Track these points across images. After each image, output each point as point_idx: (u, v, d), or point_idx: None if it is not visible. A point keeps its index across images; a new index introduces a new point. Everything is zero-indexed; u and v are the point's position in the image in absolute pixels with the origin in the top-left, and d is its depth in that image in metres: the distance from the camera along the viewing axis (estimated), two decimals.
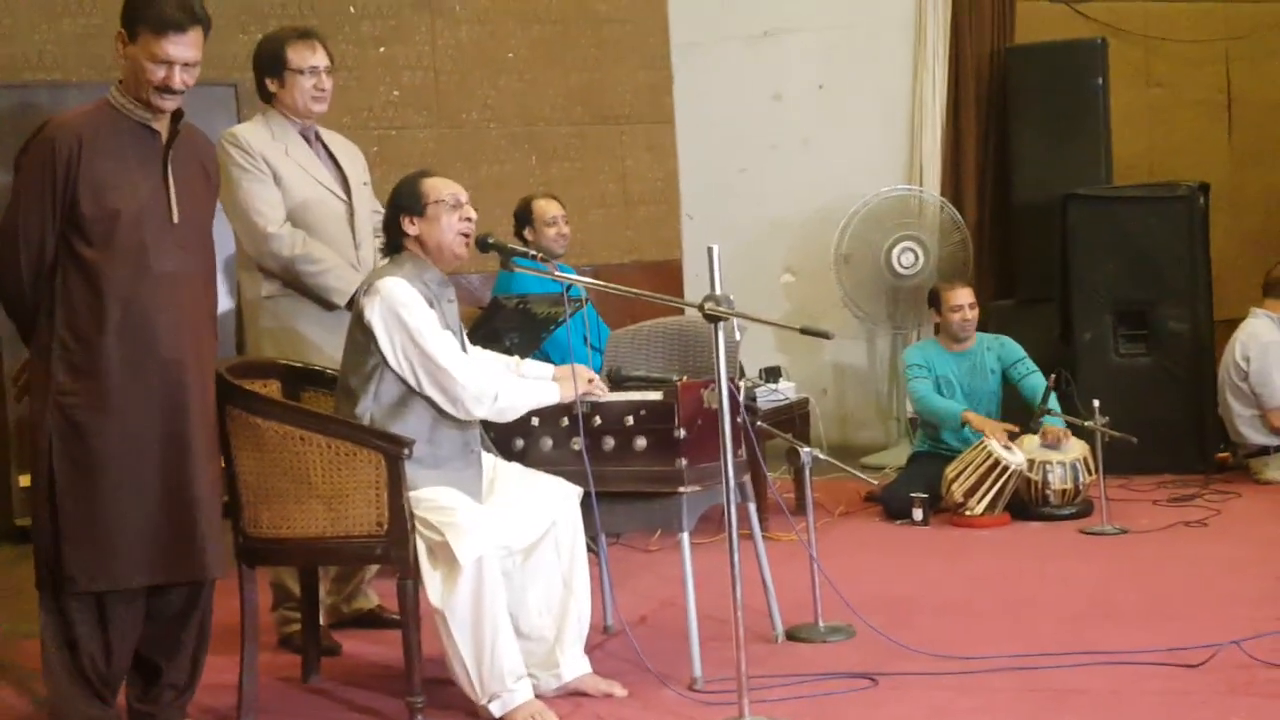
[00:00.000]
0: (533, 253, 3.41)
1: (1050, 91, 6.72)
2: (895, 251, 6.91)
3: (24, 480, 5.17)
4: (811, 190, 7.31)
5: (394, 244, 3.39)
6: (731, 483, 3.08)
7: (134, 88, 3.04)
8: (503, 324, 4.52)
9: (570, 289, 3.96)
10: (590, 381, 3.50)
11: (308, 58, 3.94)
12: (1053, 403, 5.46)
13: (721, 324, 3.08)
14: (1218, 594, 4.06)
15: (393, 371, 3.28)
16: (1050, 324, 6.39)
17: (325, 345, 3.84)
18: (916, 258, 6.90)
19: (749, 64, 7.46)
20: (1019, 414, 5.59)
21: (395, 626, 3.44)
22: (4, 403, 5.58)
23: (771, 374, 5.90)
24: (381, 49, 6.65)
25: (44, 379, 3.03)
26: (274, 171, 3.89)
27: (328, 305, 3.88)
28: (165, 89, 3.01)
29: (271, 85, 3.96)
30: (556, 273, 3.57)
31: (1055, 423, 5.41)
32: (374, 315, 3.26)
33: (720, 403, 3.11)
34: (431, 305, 3.30)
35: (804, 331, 3.10)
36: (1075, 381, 5.59)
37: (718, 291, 3.11)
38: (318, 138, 4.06)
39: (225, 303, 3.60)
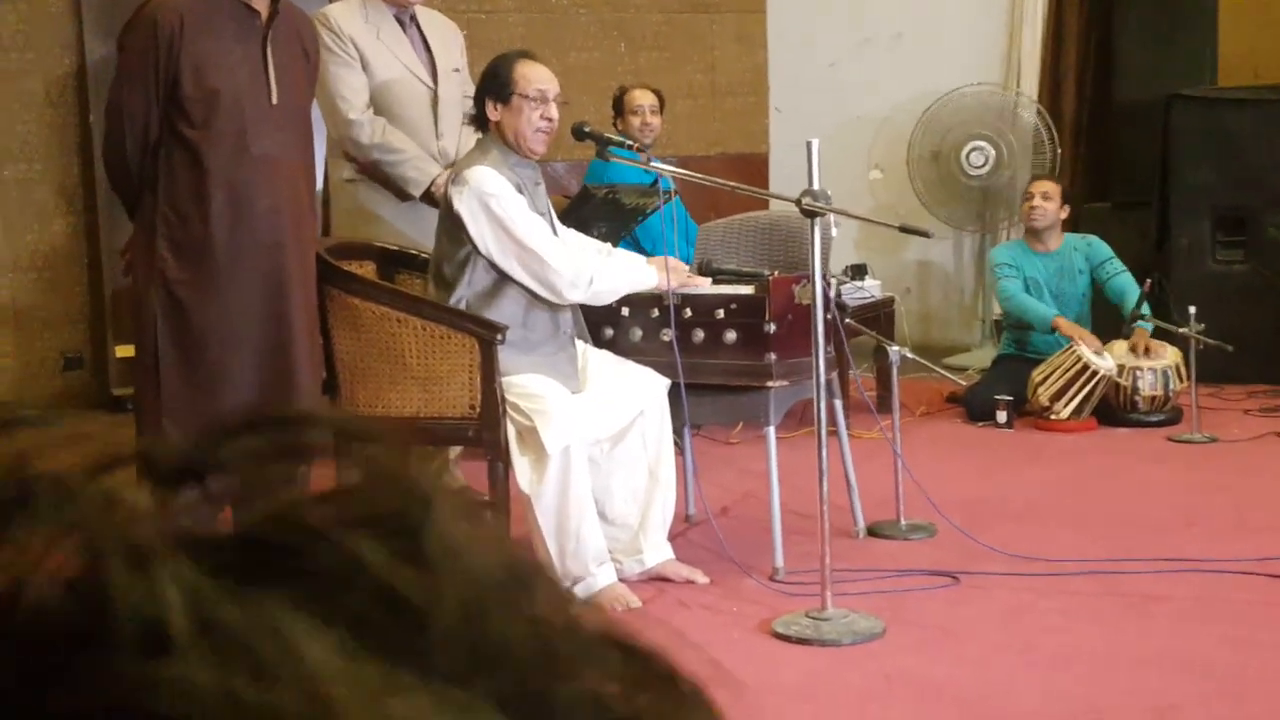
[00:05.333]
0: (629, 142, 3.40)
1: None
2: (965, 151, 6.76)
3: (120, 351, 5.28)
4: (902, 86, 7.15)
5: (481, 121, 3.38)
6: (822, 379, 3.08)
7: None
8: (591, 213, 4.51)
9: (659, 180, 3.95)
10: (688, 275, 3.50)
11: None
12: (1145, 309, 5.36)
13: (818, 220, 3.06)
14: None
15: (485, 259, 3.30)
16: (1145, 228, 6.24)
17: (402, 232, 3.85)
18: (986, 159, 6.75)
19: None
20: (1110, 318, 5.50)
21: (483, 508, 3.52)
22: (102, 275, 5.69)
23: (857, 271, 5.86)
24: None
25: (148, 254, 3.09)
26: (361, 55, 3.88)
27: (403, 195, 3.89)
28: None
29: None
30: (652, 163, 3.56)
31: (1147, 328, 5.31)
32: (463, 205, 3.27)
33: (814, 298, 3.10)
34: (520, 191, 3.30)
35: (903, 229, 3.07)
36: (1169, 287, 5.48)
37: (815, 186, 3.08)
38: (413, 20, 4.04)
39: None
